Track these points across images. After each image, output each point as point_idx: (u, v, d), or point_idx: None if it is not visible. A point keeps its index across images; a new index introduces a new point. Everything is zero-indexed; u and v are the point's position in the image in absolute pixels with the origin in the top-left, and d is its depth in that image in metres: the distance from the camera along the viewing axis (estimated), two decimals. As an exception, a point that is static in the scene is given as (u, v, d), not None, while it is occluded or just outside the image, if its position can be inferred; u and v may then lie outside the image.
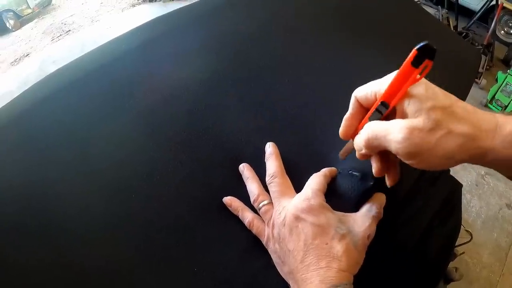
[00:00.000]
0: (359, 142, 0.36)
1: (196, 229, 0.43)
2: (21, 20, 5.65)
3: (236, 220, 0.44)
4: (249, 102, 0.52)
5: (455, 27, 3.15)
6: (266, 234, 0.42)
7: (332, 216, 0.40)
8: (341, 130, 0.39)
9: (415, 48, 0.29)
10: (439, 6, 3.18)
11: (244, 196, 0.45)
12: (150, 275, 0.39)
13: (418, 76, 0.31)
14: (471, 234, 0.68)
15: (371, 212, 0.41)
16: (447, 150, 0.30)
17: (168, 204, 0.43)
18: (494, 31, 2.91)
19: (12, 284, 0.38)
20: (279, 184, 0.44)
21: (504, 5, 2.92)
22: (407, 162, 0.32)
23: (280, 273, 0.41)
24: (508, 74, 2.55)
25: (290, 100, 0.53)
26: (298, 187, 0.44)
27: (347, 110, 0.39)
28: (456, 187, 0.67)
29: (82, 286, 0.38)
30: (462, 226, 0.66)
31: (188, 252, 0.41)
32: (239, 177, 0.47)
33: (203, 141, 0.48)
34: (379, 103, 0.34)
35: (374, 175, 0.39)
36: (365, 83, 0.37)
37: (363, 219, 0.40)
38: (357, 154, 0.39)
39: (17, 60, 4.59)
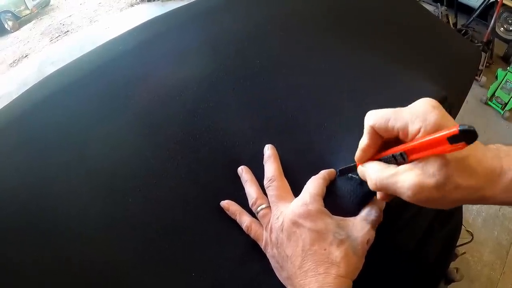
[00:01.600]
0: (369, 183, 0.36)
1: (193, 231, 0.42)
2: (20, 21, 5.65)
3: (234, 223, 0.44)
4: (247, 102, 0.52)
5: (455, 24, 3.14)
6: (264, 238, 0.42)
7: (331, 221, 0.39)
8: (357, 157, 0.38)
9: (458, 129, 0.27)
10: (438, 3, 3.17)
11: (242, 199, 0.45)
12: (147, 276, 0.39)
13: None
14: (472, 234, 0.68)
15: (371, 216, 0.41)
16: (452, 200, 0.31)
17: (165, 205, 0.43)
18: (493, 28, 2.90)
19: (11, 283, 0.38)
20: (277, 187, 0.43)
21: (504, 1, 2.91)
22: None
23: (279, 277, 0.40)
24: (508, 71, 2.54)
25: (289, 100, 0.52)
26: (297, 189, 0.44)
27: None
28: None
29: (79, 286, 0.38)
30: (463, 226, 0.65)
31: (186, 254, 0.41)
32: (237, 179, 0.46)
33: (200, 142, 0.48)
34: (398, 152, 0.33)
35: (379, 199, 0.40)
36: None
37: (362, 224, 0.40)
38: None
39: (16, 61, 4.60)
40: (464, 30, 3.06)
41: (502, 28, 3.26)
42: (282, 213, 0.41)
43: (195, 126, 0.49)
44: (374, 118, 0.35)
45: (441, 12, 3.12)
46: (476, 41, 2.92)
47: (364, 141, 0.37)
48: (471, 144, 0.28)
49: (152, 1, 5.17)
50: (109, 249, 0.40)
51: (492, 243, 1.78)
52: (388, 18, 0.72)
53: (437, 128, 0.30)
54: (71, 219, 0.41)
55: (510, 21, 3.18)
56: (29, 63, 4.38)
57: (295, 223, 0.39)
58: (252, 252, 0.42)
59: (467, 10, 3.33)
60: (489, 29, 2.87)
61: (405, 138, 0.33)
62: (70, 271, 0.38)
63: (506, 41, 3.19)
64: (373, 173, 0.35)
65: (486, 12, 3.17)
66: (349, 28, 0.66)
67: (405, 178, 0.32)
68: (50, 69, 0.61)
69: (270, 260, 0.41)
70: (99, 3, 5.71)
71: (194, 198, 0.44)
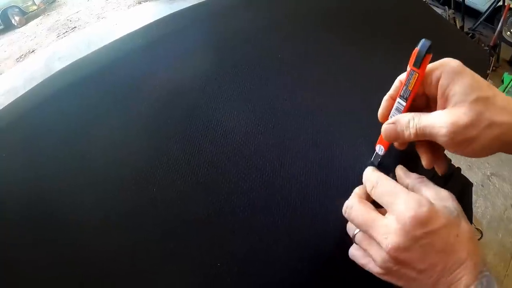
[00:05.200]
0: (407, 133, 0.37)
1: (194, 231, 0.41)
2: (27, 17, 5.68)
3: (232, 225, 0.42)
4: (250, 103, 0.51)
5: (462, 27, 3.13)
6: None
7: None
8: (380, 111, 0.40)
9: (417, 47, 0.33)
10: (446, 7, 3.17)
11: (246, 197, 0.43)
12: (151, 275, 0.39)
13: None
14: (481, 232, 0.68)
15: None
16: (488, 139, 0.32)
17: (168, 205, 0.42)
18: (500, 32, 2.90)
19: (12, 282, 0.38)
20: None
21: (511, 6, 2.90)
22: (452, 151, 0.34)
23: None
24: (515, 75, 2.54)
25: (294, 100, 0.52)
26: (302, 187, 0.44)
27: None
28: (467, 186, 0.67)
29: (81, 285, 0.38)
30: (472, 225, 0.66)
31: (187, 256, 0.40)
32: (239, 178, 0.45)
33: (206, 142, 0.47)
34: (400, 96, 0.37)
35: (425, 167, 0.40)
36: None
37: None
38: (396, 144, 0.41)
39: (23, 56, 4.62)
40: (471, 34, 3.06)
41: (509, 32, 3.26)
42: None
43: (202, 125, 0.49)
44: (402, 74, 0.37)
45: (448, 15, 3.12)
46: (483, 45, 2.91)
47: (388, 94, 0.39)
48: (495, 89, 0.32)
49: (159, -1, 5.17)
50: (111, 248, 0.40)
51: (496, 245, 1.78)
52: (397, 20, 0.73)
53: (455, 71, 0.33)
54: (76, 218, 0.41)
55: (517, 25, 3.18)
56: (36, 59, 4.38)
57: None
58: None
59: (474, 13, 3.33)
60: (496, 33, 2.87)
61: (430, 87, 0.36)
62: (71, 270, 0.38)
63: (512, 45, 3.19)
64: (411, 123, 0.36)
65: (493, 16, 3.17)
66: (357, 30, 0.67)
67: (441, 120, 0.33)
68: (57, 65, 0.61)
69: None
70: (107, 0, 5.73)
71: (196, 197, 0.43)
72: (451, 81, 0.33)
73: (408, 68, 0.35)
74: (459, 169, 0.65)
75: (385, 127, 0.39)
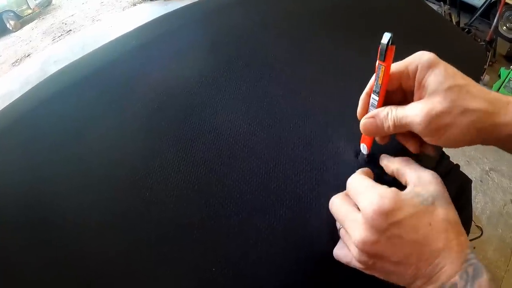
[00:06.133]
0: (386, 125, 0.37)
1: (195, 230, 0.41)
2: (22, 21, 5.66)
3: (227, 228, 0.41)
4: (245, 103, 0.51)
5: (457, 23, 3.13)
6: None
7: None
8: (358, 110, 0.41)
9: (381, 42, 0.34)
10: (441, 2, 3.17)
11: (240, 200, 0.42)
12: (150, 277, 0.38)
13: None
14: (481, 229, 0.68)
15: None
16: (462, 126, 0.32)
17: (166, 206, 0.42)
18: (496, 27, 2.90)
19: (11, 283, 0.38)
20: None
21: (507, 0, 2.91)
22: (428, 140, 0.35)
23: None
24: (511, 70, 2.54)
25: (288, 99, 0.52)
26: (292, 181, 0.43)
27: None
28: (466, 182, 0.66)
29: (79, 286, 0.38)
30: (472, 222, 0.65)
31: (188, 255, 0.39)
32: (234, 180, 0.44)
33: (203, 141, 0.47)
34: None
35: (413, 152, 0.40)
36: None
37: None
38: (378, 139, 0.41)
39: (18, 60, 4.61)
40: (467, 29, 3.06)
41: (505, 27, 3.26)
42: None
43: (197, 126, 0.48)
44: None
45: (444, 11, 3.12)
46: (479, 40, 2.92)
47: (364, 90, 0.40)
48: (468, 78, 0.34)
49: (154, 0, 5.16)
50: (105, 251, 0.40)
51: (496, 241, 1.78)
52: (393, 17, 0.72)
53: (430, 63, 0.34)
54: (69, 221, 0.41)
55: (512, 20, 3.18)
56: (32, 63, 4.37)
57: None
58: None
59: (470, 9, 3.33)
60: (492, 28, 2.87)
61: (407, 80, 0.37)
62: (70, 271, 0.38)
63: (509, 40, 3.19)
64: (389, 115, 0.37)
65: (488, 11, 3.17)
66: (352, 27, 0.67)
67: (416, 110, 0.34)
68: (52, 68, 0.61)
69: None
70: (102, 2, 5.72)
71: (190, 201, 0.42)
72: (426, 73, 0.34)
73: (377, 63, 0.36)
74: (457, 165, 0.65)
75: (364, 122, 0.39)
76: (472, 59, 0.77)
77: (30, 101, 0.53)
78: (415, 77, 0.35)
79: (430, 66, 0.34)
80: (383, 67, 0.35)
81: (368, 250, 0.33)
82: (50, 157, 0.46)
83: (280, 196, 0.42)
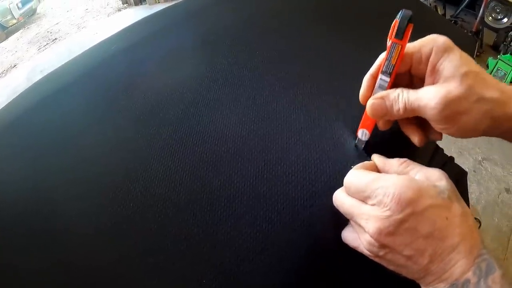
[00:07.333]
0: (396, 108, 0.35)
1: (195, 231, 0.40)
2: (7, 31, 5.57)
3: (216, 236, 0.40)
4: (240, 101, 0.50)
5: (443, 15, 3.16)
6: None
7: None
8: (362, 92, 0.39)
9: (396, 19, 0.33)
10: (427, -5, 3.19)
11: (229, 206, 0.41)
12: (150, 282, 0.37)
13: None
14: (479, 221, 0.67)
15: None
16: (478, 114, 0.31)
17: (166, 206, 0.41)
18: (482, 17, 2.93)
19: (10, 286, 0.37)
20: None
21: (491, -9, 2.93)
22: (440, 127, 0.34)
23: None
24: (499, 59, 2.57)
25: (277, 97, 0.51)
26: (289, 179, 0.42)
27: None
28: (461, 175, 0.66)
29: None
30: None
31: (191, 259, 0.38)
32: (221, 186, 0.43)
33: (198, 140, 0.46)
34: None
35: (417, 144, 0.38)
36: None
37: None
38: (381, 124, 0.39)
39: (5, 71, 4.54)
40: (453, 21, 3.08)
41: (490, 17, 3.28)
42: None
43: (191, 125, 0.48)
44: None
45: (430, 3, 3.14)
46: (465, 31, 2.93)
47: (369, 71, 0.38)
48: (479, 66, 0.33)
49: (139, 5, 5.13)
50: (108, 252, 0.39)
51: (492, 230, 1.79)
52: (379, 10, 0.72)
53: (446, 47, 0.33)
54: (69, 223, 0.41)
55: (498, 10, 3.19)
56: (18, 73, 4.32)
57: None
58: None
59: (455, 0, 3.36)
60: (478, 19, 2.90)
61: (418, 64, 0.35)
62: (69, 275, 0.37)
63: (495, 30, 3.22)
64: (400, 97, 0.35)
65: (474, 2, 3.20)
66: (340, 21, 0.66)
67: (431, 94, 0.33)
68: (39, 78, 0.60)
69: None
70: (86, 9, 5.67)
71: (193, 197, 0.42)
72: (442, 57, 0.33)
73: (389, 42, 0.34)
74: (452, 158, 0.64)
75: (372, 102, 0.37)
76: (462, 48, 0.76)
77: (18, 108, 0.53)
78: (427, 60, 0.34)
79: (446, 50, 0.33)
80: (399, 46, 0.33)
81: (382, 241, 0.31)
82: (35, 166, 0.45)
83: (270, 200, 0.41)
